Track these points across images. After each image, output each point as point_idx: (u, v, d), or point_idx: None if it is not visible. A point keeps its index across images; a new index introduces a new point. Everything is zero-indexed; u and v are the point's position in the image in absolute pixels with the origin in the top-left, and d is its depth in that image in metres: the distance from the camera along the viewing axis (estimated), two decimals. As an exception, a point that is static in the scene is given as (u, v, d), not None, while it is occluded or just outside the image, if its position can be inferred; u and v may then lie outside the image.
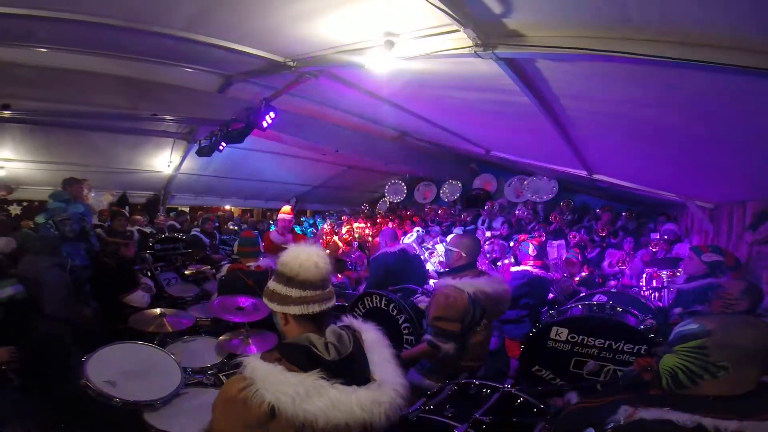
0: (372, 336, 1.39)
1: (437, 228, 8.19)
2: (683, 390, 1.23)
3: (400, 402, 1.26)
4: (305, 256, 1.33)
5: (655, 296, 4.15)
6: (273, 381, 1.12)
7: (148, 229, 6.78)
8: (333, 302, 1.37)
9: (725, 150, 3.02)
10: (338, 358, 1.22)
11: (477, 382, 2.25)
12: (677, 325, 1.34)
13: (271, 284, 1.37)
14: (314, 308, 1.29)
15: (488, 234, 7.45)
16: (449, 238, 2.91)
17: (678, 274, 4.20)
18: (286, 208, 5.18)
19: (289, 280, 1.32)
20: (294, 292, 1.31)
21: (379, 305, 3.51)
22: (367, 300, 3.59)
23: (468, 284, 2.53)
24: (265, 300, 1.38)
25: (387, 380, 1.27)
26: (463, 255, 2.69)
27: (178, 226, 7.68)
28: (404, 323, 3.33)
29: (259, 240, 4.16)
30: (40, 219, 4.52)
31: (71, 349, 3.18)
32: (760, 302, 2.63)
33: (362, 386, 1.20)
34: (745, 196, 4.02)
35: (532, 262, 4.29)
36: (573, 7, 1.96)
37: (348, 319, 1.43)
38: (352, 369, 1.23)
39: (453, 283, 2.55)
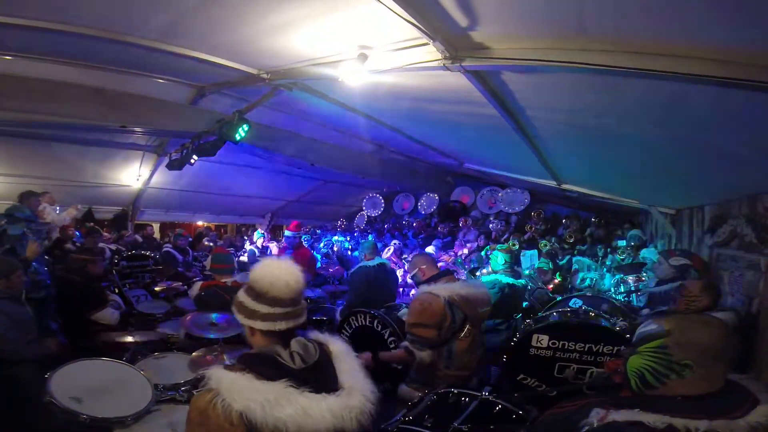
0: (338, 347, 1.41)
1: (414, 241, 8.25)
2: (652, 390, 1.23)
3: (370, 407, 1.27)
4: (277, 274, 1.32)
5: (625, 301, 4.27)
6: (239, 389, 1.12)
7: (113, 246, 6.58)
8: (302, 319, 1.36)
9: (681, 157, 3.17)
10: (304, 366, 1.23)
11: (455, 391, 2.26)
12: (639, 327, 1.35)
13: (241, 295, 1.37)
14: (281, 325, 1.29)
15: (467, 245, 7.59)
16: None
17: (643, 278, 4.35)
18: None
19: (258, 295, 1.31)
20: (262, 308, 1.30)
21: (364, 322, 3.63)
22: (353, 319, 3.69)
23: (442, 288, 2.60)
24: (233, 309, 1.38)
25: (356, 387, 1.28)
26: (424, 267, 2.80)
27: (140, 239, 7.49)
28: (390, 337, 3.44)
29: (233, 257, 4.11)
30: (15, 230, 4.04)
31: (31, 390, 2.78)
32: (719, 299, 2.77)
33: (331, 393, 1.21)
34: (702, 201, 4.21)
35: (502, 270, 4.36)
36: (532, 18, 2.01)
37: (313, 333, 1.43)
38: (319, 377, 1.24)
39: (428, 290, 2.63)
